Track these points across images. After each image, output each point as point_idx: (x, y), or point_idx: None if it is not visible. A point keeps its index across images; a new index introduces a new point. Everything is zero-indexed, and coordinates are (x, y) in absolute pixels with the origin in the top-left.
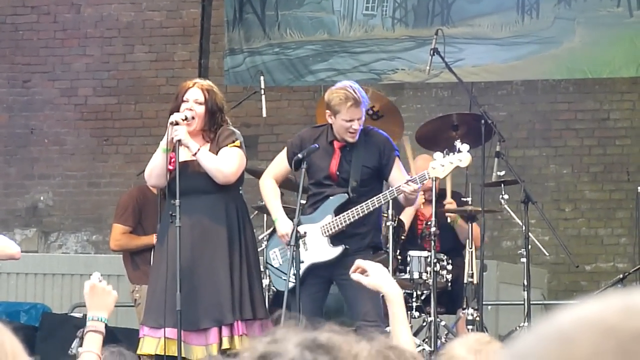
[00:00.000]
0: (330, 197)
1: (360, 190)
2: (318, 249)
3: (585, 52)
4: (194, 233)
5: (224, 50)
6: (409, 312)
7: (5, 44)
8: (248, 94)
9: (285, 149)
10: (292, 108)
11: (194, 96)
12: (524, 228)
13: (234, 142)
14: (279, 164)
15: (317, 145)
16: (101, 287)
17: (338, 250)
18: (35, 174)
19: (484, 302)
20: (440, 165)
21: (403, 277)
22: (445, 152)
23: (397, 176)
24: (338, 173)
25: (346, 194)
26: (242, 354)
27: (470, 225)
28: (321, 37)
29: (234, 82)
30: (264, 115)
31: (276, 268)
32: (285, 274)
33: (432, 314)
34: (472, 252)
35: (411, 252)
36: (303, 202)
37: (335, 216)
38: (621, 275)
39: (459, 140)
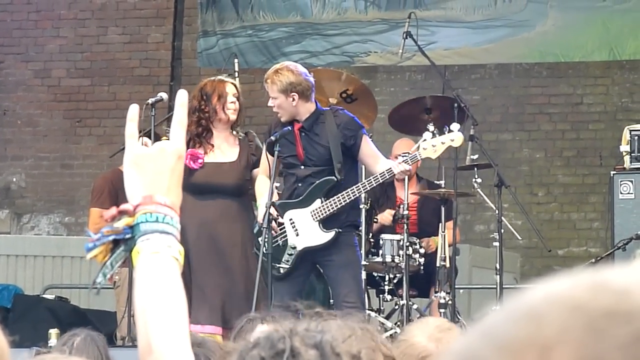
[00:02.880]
0: (318, 181)
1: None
2: (310, 233)
3: (558, 36)
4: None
5: (198, 32)
6: (381, 295)
7: None
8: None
9: (264, 145)
10: (265, 90)
11: (233, 90)
12: (496, 212)
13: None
14: (265, 162)
15: (290, 128)
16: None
17: (330, 234)
18: (8, 155)
19: (456, 286)
20: (432, 146)
21: (375, 259)
22: (434, 131)
23: (368, 152)
24: (305, 153)
25: (334, 177)
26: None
27: (443, 208)
28: (294, 19)
29: (207, 64)
30: None
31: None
32: (277, 260)
33: (404, 297)
34: (444, 235)
35: (384, 235)
36: (277, 184)
37: (325, 200)
38: (594, 260)
39: (431, 124)
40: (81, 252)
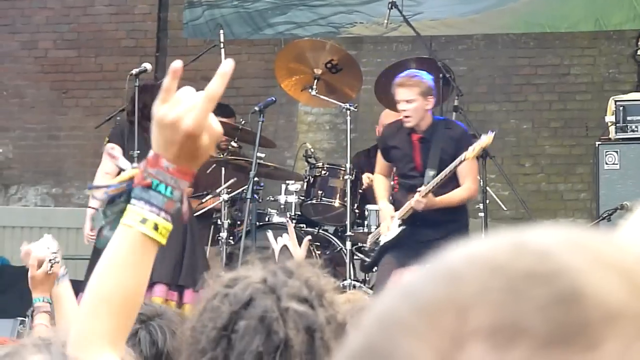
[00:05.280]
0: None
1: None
2: (391, 230)
3: (544, 6)
4: None
5: (183, 3)
6: None
7: None
8: (207, 47)
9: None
10: (252, 62)
11: None
12: (482, 183)
13: None
14: (379, 161)
15: (274, 99)
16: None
17: (398, 230)
18: None
19: None
20: (472, 150)
21: (360, 230)
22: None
23: (463, 171)
24: (422, 164)
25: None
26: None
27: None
28: None
29: (193, 35)
30: None
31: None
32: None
33: None
34: None
35: (369, 206)
36: (261, 155)
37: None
38: None
39: None
40: (68, 223)
